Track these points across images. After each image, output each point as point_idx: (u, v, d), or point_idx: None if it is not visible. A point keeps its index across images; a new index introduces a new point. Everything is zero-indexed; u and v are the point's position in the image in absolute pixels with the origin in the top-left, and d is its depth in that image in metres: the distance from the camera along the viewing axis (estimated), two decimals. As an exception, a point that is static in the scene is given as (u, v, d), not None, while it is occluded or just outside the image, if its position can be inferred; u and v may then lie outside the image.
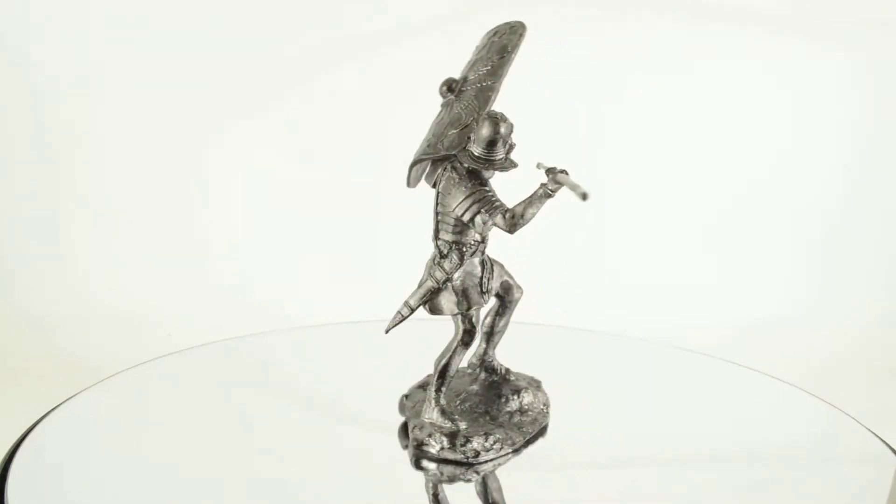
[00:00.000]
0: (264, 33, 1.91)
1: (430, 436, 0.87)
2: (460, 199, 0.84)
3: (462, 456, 0.87)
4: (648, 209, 2.00)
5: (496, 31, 0.94)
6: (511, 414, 0.92)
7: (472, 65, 0.91)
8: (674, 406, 1.08)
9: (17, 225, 1.87)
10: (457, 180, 0.84)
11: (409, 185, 0.90)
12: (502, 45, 0.92)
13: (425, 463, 0.87)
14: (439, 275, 0.86)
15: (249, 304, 1.84)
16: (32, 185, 1.87)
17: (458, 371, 0.94)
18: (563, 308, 1.84)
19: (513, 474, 0.87)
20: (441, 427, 0.87)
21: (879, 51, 2.00)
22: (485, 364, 0.96)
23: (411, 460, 0.87)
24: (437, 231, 0.86)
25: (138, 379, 1.09)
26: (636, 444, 0.95)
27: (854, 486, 0.91)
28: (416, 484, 0.86)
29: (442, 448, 0.87)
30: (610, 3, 1.99)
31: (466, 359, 0.94)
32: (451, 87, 0.89)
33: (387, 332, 0.88)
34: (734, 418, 1.05)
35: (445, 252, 0.86)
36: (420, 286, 0.87)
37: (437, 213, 0.86)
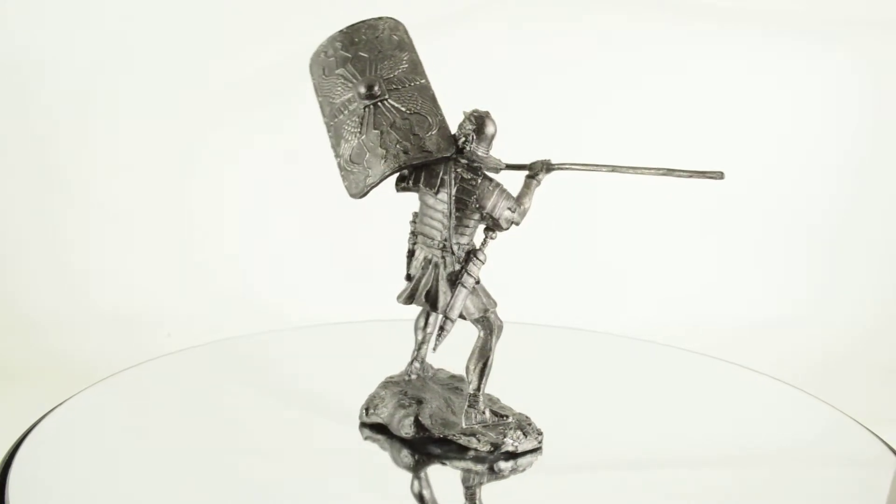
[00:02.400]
0: (262, 32, 1.91)
1: (503, 435, 0.87)
2: (492, 199, 0.85)
3: (537, 442, 0.88)
4: (648, 209, 2.00)
5: (371, 28, 0.91)
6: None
7: (370, 64, 0.89)
8: (672, 406, 1.08)
9: (15, 226, 1.87)
10: (479, 181, 0.85)
11: (361, 195, 0.86)
12: (396, 42, 0.90)
13: (501, 464, 0.87)
14: (472, 277, 0.86)
15: (248, 304, 1.84)
16: (31, 185, 1.87)
17: (399, 379, 0.94)
18: (563, 308, 1.84)
19: (511, 476, 0.87)
20: (503, 424, 0.88)
21: (879, 51, 2.00)
22: (423, 364, 0.96)
23: (485, 466, 0.87)
24: (453, 236, 0.85)
25: (138, 379, 1.09)
26: (634, 445, 0.95)
27: (853, 487, 0.91)
28: (415, 483, 0.86)
29: (521, 442, 0.88)
30: (609, 2, 1.99)
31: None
32: (373, 90, 0.87)
33: (434, 349, 0.88)
34: (733, 419, 1.06)
35: (462, 256, 0.86)
36: (455, 296, 0.85)
37: (454, 218, 0.85)
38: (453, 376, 0.96)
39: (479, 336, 0.88)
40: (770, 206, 2.03)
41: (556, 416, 0.94)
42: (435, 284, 0.87)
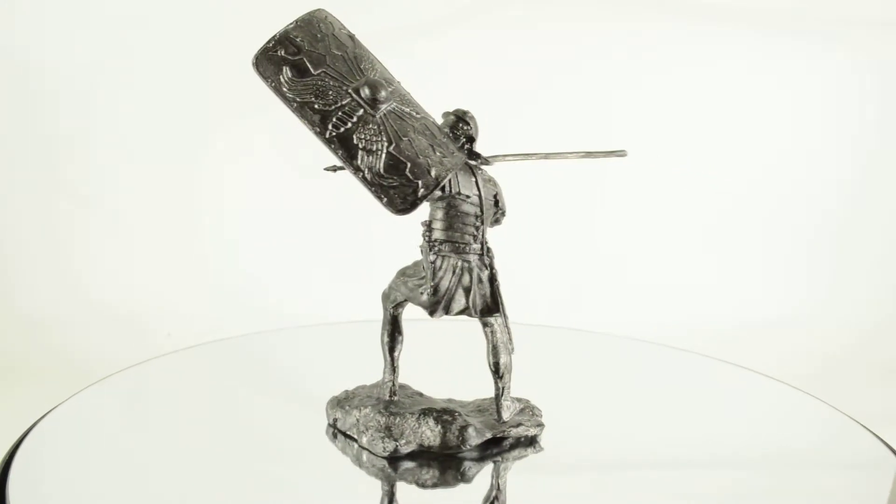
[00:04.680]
0: (266, 32, 1.91)
1: (533, 415, 0.92)
2: (502, 196, 0.87)
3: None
4: (648, 209, 2.00)
5: (324, 22, 0.83)
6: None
7: (351, 63, 0.82)
8: (672, 407, 1.08)
9: (16, 224, 1.87)
10: (495, 180, 0.87)
11: (412, 209, 0.80)
12: (352, 38, 0.84)
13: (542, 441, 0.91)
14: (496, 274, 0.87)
15: (249, 304, 1.84)
16: (32, 184, 1.87)
17: (383, 402, 0.90)
18: (562, 308, 1.84)
19: (510, 476, 0.87)
20: (526, 407, 0.92)
21: (880, 51, 2.00)
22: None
23: (535, 450, 0.91)
24: (485, 237, 0.86)
25: (138, 379, 1.09)
26: (634, 446, 0.95)
27: (854, 488, 0.91)
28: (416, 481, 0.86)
29: (541, 417, 0.93)
30: (610, 2, 1.99)
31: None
32: (379, 94, 0.81)
33: (513, 351, 0.88)
34: (733, 419, 1.05)
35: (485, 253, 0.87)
36: (499, 294, 0.86)
37: (486, 217, 0.85)
38: (401, 386, 0.94)
39: (494, 332, 0.88)
40: (771, 206, 2.03)
41: (556, 416, 0.94)
42: (476, 290, 0.86)
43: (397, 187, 0.78)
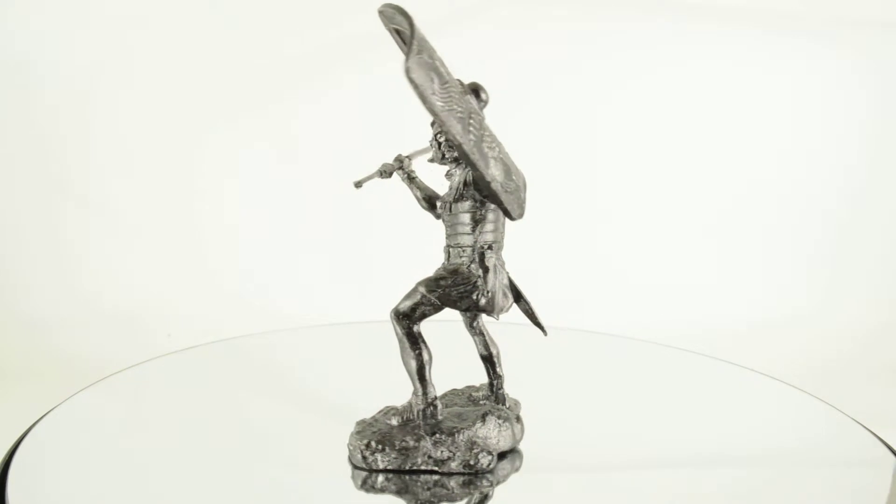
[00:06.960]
0: (263, 32, 1.91)
1: (508, 396, 0.93)
2: None
3: None
4: (649, 210, 2.00)
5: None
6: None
7: (443, 62, 0.77)
8: (673, 407, 1.08)
9: (16, 225, 1.87)
10: None
11: (522, 217, 0.81)
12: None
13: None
14: None
15: (249, 304, 1.84)
16: (32, 184, 1.88)
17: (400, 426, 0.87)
18: (563, 308, 1.84)
19: (511, 475, 0.87)
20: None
21: (880, 51, 2.00)
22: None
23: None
24: None
25: (138, 379, 1.09)
26: (635, 446, 0.95)
27: (854, 488, 0.90)
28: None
29: None
30: (612, 2, 1.99)
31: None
32: (482, 96, 0.82)
33: (546, 333, 0.89)
34: (734, 420, 1.05)
35: None
36: (515, 283, 0.87)
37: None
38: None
39: (482, 327, 0.89)
40: (771, 207, 2.03)
41: (556, 415, 0.94)
42: (509, 284, 0.87)
43: (513, 192, 0.77)
